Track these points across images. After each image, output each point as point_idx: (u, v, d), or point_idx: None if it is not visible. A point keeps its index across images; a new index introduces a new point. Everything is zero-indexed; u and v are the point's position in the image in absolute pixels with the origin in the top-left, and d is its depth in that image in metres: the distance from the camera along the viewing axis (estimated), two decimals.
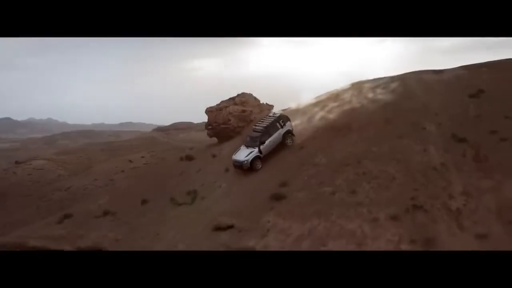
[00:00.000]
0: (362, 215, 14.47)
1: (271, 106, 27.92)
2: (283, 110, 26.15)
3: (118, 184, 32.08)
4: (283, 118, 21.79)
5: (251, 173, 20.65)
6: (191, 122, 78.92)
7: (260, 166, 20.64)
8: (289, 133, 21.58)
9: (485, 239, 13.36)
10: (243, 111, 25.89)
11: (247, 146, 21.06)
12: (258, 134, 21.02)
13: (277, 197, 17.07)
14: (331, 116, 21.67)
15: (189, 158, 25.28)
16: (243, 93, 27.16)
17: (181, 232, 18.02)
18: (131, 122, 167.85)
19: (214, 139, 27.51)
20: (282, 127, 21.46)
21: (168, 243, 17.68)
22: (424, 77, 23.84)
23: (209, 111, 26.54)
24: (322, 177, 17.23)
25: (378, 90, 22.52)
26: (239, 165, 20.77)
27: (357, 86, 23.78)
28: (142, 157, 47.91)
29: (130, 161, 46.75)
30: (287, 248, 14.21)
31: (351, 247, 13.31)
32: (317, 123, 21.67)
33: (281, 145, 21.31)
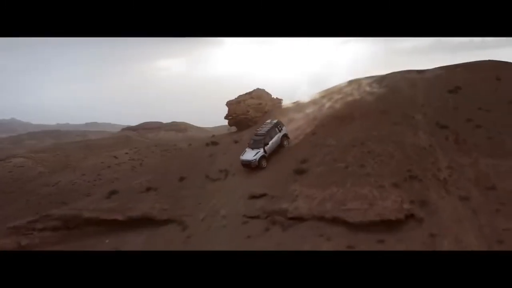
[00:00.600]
0: (371, 183, 16.63)
1: (281, 100, 29.88)
2: (293, 102, 28.25)
3: (153, 166, 33.42)
4: (280, 124, 23.19)
5: (272, 156, 22.24)
6: (160, 122, 76.84)
7: (266, 164, 21.60)
8: (285, 136, 23.13)
9: (466, 200, 15.79)
10: (259, 103, 27.96)
11: (252, 148, 22.07)
12: (261, 137, 22.22)
13: (300, 172, 19.04)
14: (337, 106, 23.73)
15: (214, 143, 27.17)
16: (258, 89, 29.07)
17: (221, 200, 19.88)
18: (96, 122, 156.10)
19: (234, 128, 29.51)
20: (279, 131, 22.87)
21: (210, 209, 19.58)
22: (408, 76, 25.94)
23: (229, 103, 28.42)
24: (335, 155, 19.24)
25: (374, 85, 24.53)
26: (247, 164, 21.76)
27: (356, 82, 25.88)
28: (126, 153, 47.95)
29: (115, 157, 46.69)
30: (314, 207, 16.43)
31: (365, 206, 15.61)
32: (326, 111, 23.58)
33: (278, 147, 22.66)
